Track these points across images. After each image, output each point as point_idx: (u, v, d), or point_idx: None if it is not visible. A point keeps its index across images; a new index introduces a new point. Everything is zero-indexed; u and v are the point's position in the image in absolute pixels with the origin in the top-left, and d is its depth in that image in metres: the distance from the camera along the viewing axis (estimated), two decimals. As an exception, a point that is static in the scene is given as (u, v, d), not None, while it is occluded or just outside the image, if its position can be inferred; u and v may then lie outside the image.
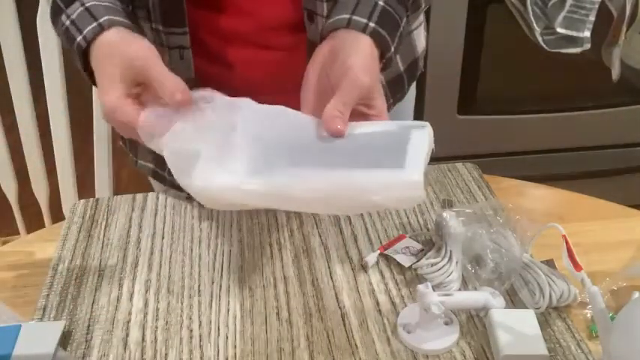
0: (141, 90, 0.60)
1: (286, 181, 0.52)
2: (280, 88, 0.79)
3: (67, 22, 0.64)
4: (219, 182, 0.53)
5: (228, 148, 0.57)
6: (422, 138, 0.54)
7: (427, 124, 0.57)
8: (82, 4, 0.64)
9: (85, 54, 0.62)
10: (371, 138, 0.56)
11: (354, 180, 0.51)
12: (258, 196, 0.53)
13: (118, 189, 1.19)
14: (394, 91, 0.87)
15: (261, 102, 0.82)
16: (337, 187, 0.51)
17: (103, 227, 0.76)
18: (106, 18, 0.62)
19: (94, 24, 0.61)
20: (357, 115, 0.59)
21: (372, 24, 0.63)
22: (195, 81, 0.76)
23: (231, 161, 0.55)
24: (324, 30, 0.65)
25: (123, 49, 0.60)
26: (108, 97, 0.58)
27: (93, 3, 0.64)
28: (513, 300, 0.64)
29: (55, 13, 0.67)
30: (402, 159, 0.51)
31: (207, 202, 0.55)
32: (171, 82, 0.58)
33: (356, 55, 0.60)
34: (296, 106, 0.81)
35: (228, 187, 0.53)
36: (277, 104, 0.81)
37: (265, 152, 0.56)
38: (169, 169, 0.85)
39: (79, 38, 0.62)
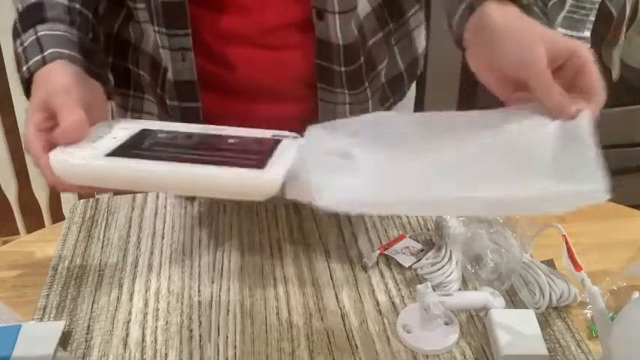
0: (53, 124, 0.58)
1: (136, 167, 0.53)
2: (283, 89, 0.79)
3: (20, 49, 0.64)
4: (80, 157, 0.54)
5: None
6: (290, 146, 0.56)
7: (297, 135, 0.58)
8: (36, 33, 0.63)
9: (29, 83, 0.62)
10: (241, 141, 0.58)
11: (202, 175, 0.53)
12: (118, 175, 0.54)
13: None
14: (394, 90, 0.87)
15: (260, 107, 0.83)
16: (183, 179, 0.53)
17: (103, 227, 0.76)
18: (51, 51, 0.61)
19: (39, 57, 0.61)
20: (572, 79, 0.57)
21: None
22: (197, 83, 0.76)
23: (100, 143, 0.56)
24: (456, 35, 0.63)
25: (47, 80, 0.60)
26: (25, 127, 0.58)
27: (45, 32, 0.63)
28: (513, 300, 0.64)
29: (14, 36, 0.66)
30: (266, 161, 0.53)
31: (61, 175, 0.55)
32: (70, 113, 0.56)
33: (505, 41, 0.58)
34: (295, 111, 0.81)
35: (73, 162, 0.54)
36: (277, 108, 0.81)
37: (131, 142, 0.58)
38: None
39: (24, 68, 0.62)
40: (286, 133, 0.59)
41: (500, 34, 0.59)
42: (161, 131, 0.60)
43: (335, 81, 0.77)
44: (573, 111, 0.55)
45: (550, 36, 0.58)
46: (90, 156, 0.54)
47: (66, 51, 0.62)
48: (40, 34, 0.63)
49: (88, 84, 0.62)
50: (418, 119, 0.61)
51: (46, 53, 0.61)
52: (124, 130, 0.59)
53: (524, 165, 0.52)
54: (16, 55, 0.65)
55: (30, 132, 0.57)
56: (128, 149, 0.56)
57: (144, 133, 0.59)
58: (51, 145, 0.56)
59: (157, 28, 0.72)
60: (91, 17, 0.69)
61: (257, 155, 0.55)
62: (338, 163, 0.56)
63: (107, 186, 0.56)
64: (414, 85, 0.92)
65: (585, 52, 0.57)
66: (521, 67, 0.57)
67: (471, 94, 1.67)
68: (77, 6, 0.67)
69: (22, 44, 0.64)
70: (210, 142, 0.58)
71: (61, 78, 0.60)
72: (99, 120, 0.61)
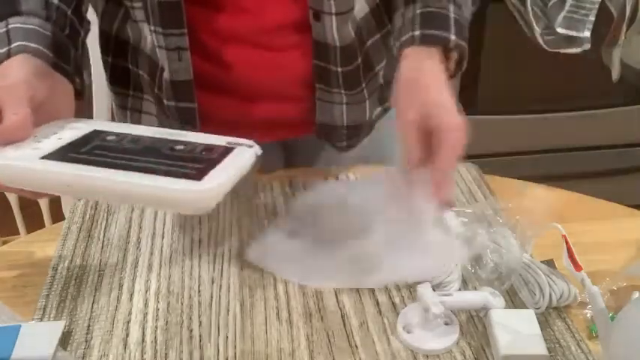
0: None
1: (67, 172, 0.52)
2: (280, 90, 0.79)
3: None
4: (12, 158, 0.53)
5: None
6: (242, 156, 0.55)
7: (254, 144, 0.57)
8: (7, 25, 0.62)
9: None
10: (190, 147, 0.56)
11: (132, 184, 0.51)
12: (49, 179, 0.53)
13: (118, 189, 1.19)
14: (393, 90, 0.87)
15: (258, 107, 0.83)
16: (113, 187, 0.52)
17: (103, 227, 0.76)
18: (17, 44, 0.60)
19: (4, 49, 0.60)
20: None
21: (417, 32, 0.65)
22: (194, 82, 0.76)
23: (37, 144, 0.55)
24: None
25: (2, 75, 0.58)
26: None
27: (16, 25, 0.62)
28: (513, 300, 0.64)
29: None
30: (207, 171, 0.52)
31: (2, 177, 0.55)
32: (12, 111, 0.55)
33: (397, 97, 0.63)
34: (292, 111, 0.81)
35: (7, 163, 0.53)
36: (274, 108, 0.81)
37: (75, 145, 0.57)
38: None
39: None
40: (242, 140, 0.58)
41: (399, 90, 0.64)
42: (111, 133, 0.58)
43: (332, 81, 0.77)
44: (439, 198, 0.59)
45: (431, 103, 0.61)
46: (24, 157, 0.53)
47: (32, 44, 0.61)
48: (10, 26, 0.62)
49: (49, 80, 0.60)
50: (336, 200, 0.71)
51: (12, 46, 0.60)
52: (73, 130, 0.58)
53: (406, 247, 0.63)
54: None
55: None
56: (67, 152, 0.54)
57: (92, 135, 0.57)
58: None
59: (152, 28, 0.72)
60: (70, 13, 0.68)
61: (200, 164, 0.53)
62: (283, 248, 0.68)
63: (41, 190, 0.55)
64: (413, 86, 0.92)
65: (448, 135, 0.59)
66: (398, 125, 0.62)
67: (471, 94, 1.67)
68: (55, 1, 0.66)
69: None
70: (156, 147, 0.56)
71: (16, 73, 0.58)
72: (56, 117, 0.59)
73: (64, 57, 0.64)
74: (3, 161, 0.53)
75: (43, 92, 0.58)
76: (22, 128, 0.54)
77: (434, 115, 0.60)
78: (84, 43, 0.71)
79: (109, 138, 0.57)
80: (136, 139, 0.57)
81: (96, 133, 0.58)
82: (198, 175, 0.51)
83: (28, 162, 0.52)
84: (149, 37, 0.75)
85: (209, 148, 0.56)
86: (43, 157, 0.53)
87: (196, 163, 0.53)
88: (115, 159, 0.53)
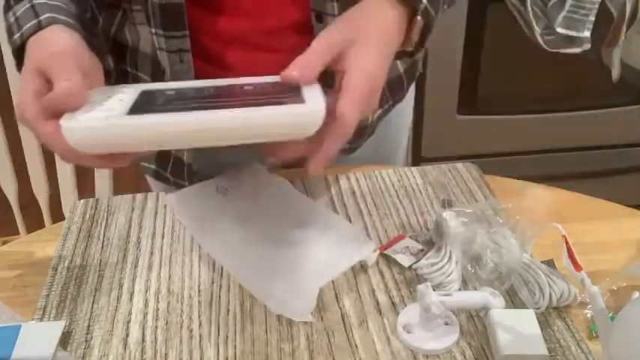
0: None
1: (163, 118, 0.49)
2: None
3: (12, 20, 0.61)
4: (86, 120, 0.50)
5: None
6: (311, 86, 0.55)
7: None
8: (31, 1, 0.61)
9: (21, 51, 0.59)
10: (259, 85, 0.56)
11: (251, 118, 0.49)
12: (145, 133, 0.49)
13: (118, 189, 1.19)
14: (393, 92, 0.87)
15: None
16: (229, 126, 0.50)
17: (103, 227, 0.76)
18: (46, 16, 0.58)
19: (34, 21, 0.58)
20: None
21: None
22: None
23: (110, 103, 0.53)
24: None
25: (45, 44, 0.57)
26: (21, 92, 0.55)
27: (40, 1, 0.61)
28: (513, 300, 0.64)
29: (5, 10, 0.64)
30: (300, 97, 0.52)
31: (77, 144, 0.50)
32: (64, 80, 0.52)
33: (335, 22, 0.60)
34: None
35: (94, 125, 0.49)
36: None
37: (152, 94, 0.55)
38: (172, 170, 0.85)
39: (16, 36, 0.59)
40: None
41: (337, 19, 0.61)
42: (165, 89, 0.56)
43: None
44: (288, 78, 0.55)
45: (361, 35, 0.58)
46: (110, 117, 0.49)
47: (62, 17, 0.59)
48: (35, 2, 0.61)
49: (87, 52, 0.58)
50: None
51: (41, 18, 0.58)
52: (125, 93, 0.54)
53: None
54: (8, 27, 0.62)
55: (28, 97, 0.53)
56: (148, 106, 0.51)
57: (148, 93, 0.55)
58: (47, 113, 0.52)
59: (154, 30, 0.72)
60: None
61: (289, 93, 0.52)
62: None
63: (135, 148, 0.51)
64: (413, 86, 0.92)
65: (352, 75, 0.56)
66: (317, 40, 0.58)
67: (471, 94, 1.67)
68: None
69: (14, 14, 0.61)
70: (228, 90, 0.54)
71: (59, 41, 0.56)
72: None
73: (91, 34, 0.62)
74: (85, 124, 0.49)
75: (88, 62, 0.56)
76: (75, 94, 0.52)
77: (350, 47, 0.57)
78: (100, 35, 0.71)
79: (169, 93, 0.54)
80: (198, 89, 0.55)
81: (150, 92, 0.55)
82: (300, 100, 0.50)
83: (122, 120, 0.48)
84: (149, 39, 0.75)
85: (276, 83, 0.55)
86: (130, 114, 0.49)
87: (284, 94, 0.52)
88: (204, 103, 0.51)
